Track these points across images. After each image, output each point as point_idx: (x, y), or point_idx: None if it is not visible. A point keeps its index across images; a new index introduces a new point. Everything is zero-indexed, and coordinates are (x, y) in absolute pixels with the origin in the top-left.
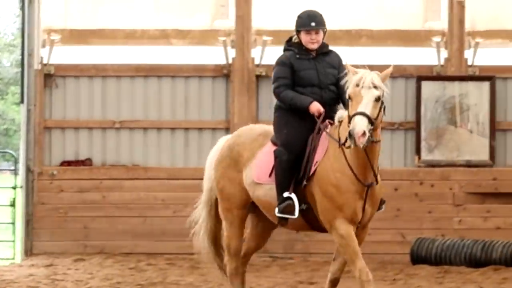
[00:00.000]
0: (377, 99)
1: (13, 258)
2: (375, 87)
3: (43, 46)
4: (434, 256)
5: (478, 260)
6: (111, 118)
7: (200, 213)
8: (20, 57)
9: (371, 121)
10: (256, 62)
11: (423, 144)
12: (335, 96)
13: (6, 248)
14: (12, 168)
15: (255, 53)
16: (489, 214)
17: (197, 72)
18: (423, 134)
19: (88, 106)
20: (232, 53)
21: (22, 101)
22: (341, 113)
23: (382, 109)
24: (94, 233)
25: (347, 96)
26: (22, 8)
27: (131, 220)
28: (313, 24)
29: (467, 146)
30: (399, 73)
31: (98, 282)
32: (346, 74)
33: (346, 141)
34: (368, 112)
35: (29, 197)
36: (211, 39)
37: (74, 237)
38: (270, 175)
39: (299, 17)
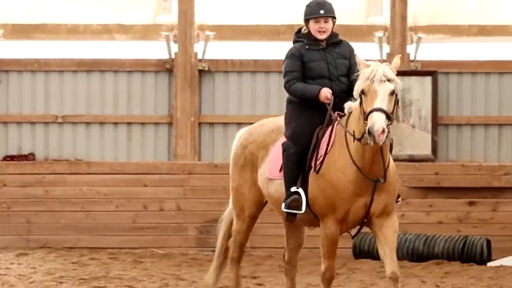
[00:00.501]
0: (392, 93)
1: None
2: (389, 80)
3: None
4: (377, 250)
5: (420, 254)
6: (54, 113)
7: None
8: None
9: (388, 117)
10: (199, 57)
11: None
12: (346, 88)
13: None
14: None
15: (198, 48)
16: (431, 208)
17: (140, 67)
18: None
19: (31, 101)
20: (174, 48)
21: None
22: (349, 104)
23: (397, 103)
24: (37, 227)
25: (359, 91)
26: None
27: (74, 215)
28: (322, 11)
29: (410, 140)
30: None
31: (41, 277)
32: (357, 66)
33: (362, 137)
34: (385, 108)
35: None
36: (153, 34)
37: (16, 231)
38: (280, 169)
39: (307, 6)
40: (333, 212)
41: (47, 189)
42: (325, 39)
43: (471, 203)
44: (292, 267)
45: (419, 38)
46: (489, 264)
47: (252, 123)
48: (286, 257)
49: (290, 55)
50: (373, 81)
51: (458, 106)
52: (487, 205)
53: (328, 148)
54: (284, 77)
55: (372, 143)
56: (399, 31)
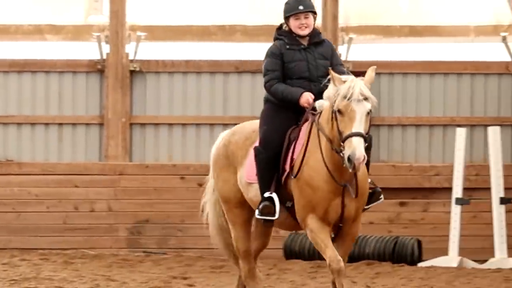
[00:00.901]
0: (368, 112)
1: None
2: (366, 98)
3: None
4: (307, 251)
5: (351, 255)
6: None
7: (208, 213)
8: None
9: (365, 139)
10: (130, 57)
11: None
12: (325, 89)
13: None
14: None
15: (129, 48)
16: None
17: (71, 68)
18: None
19: None
20: (106, 48)
21: None
22: (321, 102)
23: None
24: None
25: (335, 108)
26: None
27: (4, 216)
28: (301, 7)
29: None
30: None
31: None
32: (337, 67)
33: (338, 152)
34: (362, 130)
35: None
36: (85, 35)
37: None
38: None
39: (286, 3)
40: (313, 211)
41: None
42: (307, 36)
43: (402, 204)
44: (254, 270)
45: (351, 39)
46: (419, 264)
47: (183, 124)
48: (245, 266)
49: (271, 53)
50: (351, 100)
51: (389, 106)
52: (418, 206)
53: (303, 149)
54: (264, 76)
55: (351, 170)
56: (330, 31)
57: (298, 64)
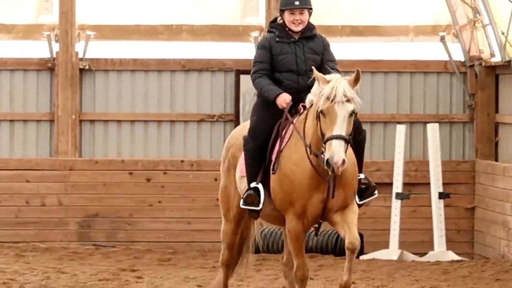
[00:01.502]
0: (351, 114)
1: None
2: (348, 100)
3: None
4: (256, 245)
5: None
6: None
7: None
8: None
9: (347, 141)
10: (80, 56)
11: None
12: (313, 84)
13: None
14: None
15: (79, 47)
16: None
17: (22, 66)
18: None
19: None
20: (56, 47)
21: None
22: (310, 97)
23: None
24: None
25: (318, 110)
26: None
27: None
28: (297, 3)
29: None
30: (218, 67)
31: None
32: (330, 63)
33: (318, 155)
34: (344, 133)
35: None
36: (35, 34)
37: None
38: None
39: None
40: (292, 207)
41: None
42: (300, 31)
43: None
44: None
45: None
46: (361, 257)
47: (132, 121)
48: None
49: (261, 46)
50: (333, 102)
51: None
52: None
53: (284, 144)
54: (252, 67)
55: (330, 173)
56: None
57: (287, 57)
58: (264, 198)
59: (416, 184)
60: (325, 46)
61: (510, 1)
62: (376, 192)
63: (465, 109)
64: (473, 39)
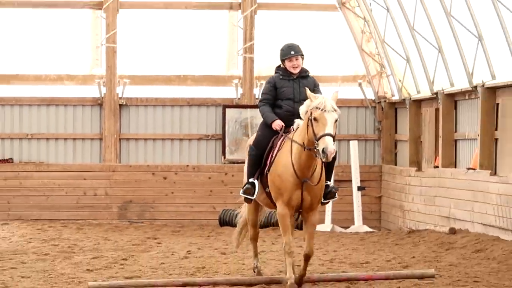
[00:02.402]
0: (336, 120)
1: None
2: (334, 110)
3: None
4: (234, 221)
5: (262, 222)
6: (25, 131)
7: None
8: None
9: (334, 138)
10: (120, 96)
11: (227, 149)
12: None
13: None
14: None
15: (119, 90)
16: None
17: (81, 102)
18: (227, 142)
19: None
20: (103, 90)
21: None
22: (298, 121)
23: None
24: (14, 206)
25: (311, 117)
26: None
27: (38, 198)
28: (292, 52)
29: None
30: (211, 103)
31: (17, 238)
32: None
33: (309, 148)
34: (333, 133)
35: None
36: (90, 81)
37: (1, 209)
38: None
39: (281, 49)
40: (281, 196)
41: (21, 181)
42: (297, 73)
43: None
44: (257, 235)
45: (261, 84)
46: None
47: (154, 139)
48: (251, 231)
49: (268, 81)
50: (324, 111)
51: None
52: None
53: (275, 153)
54: (260, 96)
55: (324, 159)
56: (248, 80)
57: (286, 89)
58: (258, 190)
59: (342, 180)
60: (315, 84)
61: None
62: (336, 196)
63: (375, 131)
64: (380, 85)
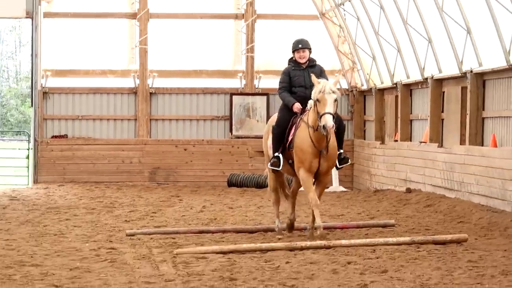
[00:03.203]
0: (335, 100)
1: (28, 185)
2: (334, 92)
3: None
4: (240, 182)
5: (261, 184)
6: (77, 114)
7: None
8: None
9: (333, 116)
10: (150, 86)
11: (233, 127)
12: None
13: (24, 180)
14: (27, 139)
15: (149, 81)
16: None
17: (120, 91)
18: (233, 121)
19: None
20: (137, 81)
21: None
22: (310, 102)
23: (337, 106)
24: (68, 171)
25: (315, 99)
26: None
27: (87, 166)
28: (300, 45)
29: (255, 127)
30: (221, 91)
31: (71, 196)
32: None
33: (317, 128)
34: (332, 111)
35: (36, 153)
36: (127, 74)
37: (58, 173)
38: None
39: (292, 43)
40: (303, 164)
41: (73, 152)
42: (305, 63)
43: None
44: (291, 195)
45: (260, 77)
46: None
47: (177, 119)
48: (290, 189)
49: (283, 72)
50: (324, 93)
51: None
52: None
53: (296, 130)
54: (279, 84)
55: (325, 133)
56: (249, 73)
57: (298, 78)
58: (283, 162)
59: None
60: (321, 71)
61: None
62: (349, 162)
63: (348, 113)
64: (352, 77)
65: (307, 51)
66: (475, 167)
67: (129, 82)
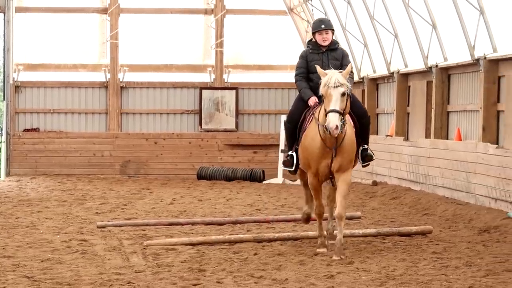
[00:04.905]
0: (343, 94)
1: (0, 177)
2: (341, 85)
3: None
4: (209, 175)
5: (230, 177)
6: (49, 107)
7: None
8: None
9: (341, 113)
10: (121, 80)
11: (203, 121)
12: None
13: None
14: None
15: (120, 76)
16: (235, 154)
17: (91, 85)
18: (203, 115)
19: (42, 99)
20: (108, 76)
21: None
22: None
23: (349, 100)
24: (40, 164)
25: (320, 94)
26: None
27: (58, 159)
28: (323, 26)
29: (225, 121)
30: (191, 85)
31: (42, 188)
32: (347, 65)
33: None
34: (337, 108)
35: (8, 146)
36: (98, 68)
37: (30, 166)
38: None
39: (313, 23)
40: (310, 168)
41: (45, 145)
42: (326, 46)
43: (254, 152)
44: (330, 202)
45: (229, 71)
46: (264, 182)
47: (147, 113)
48: (327, 197)
49: (300, 56)
50: (329, 87)
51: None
52: (261, 154)
53: (305, 127)
54: (296, 70)
55: (329, 135)
56: (219, 68)
57: (316, 62)
58: (298, 161)
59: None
60: (343, 55)
61: None
62: (373, 158)
63: None
64: None
65: (330, 33)
66: (440, 160)
67: (100, 76)
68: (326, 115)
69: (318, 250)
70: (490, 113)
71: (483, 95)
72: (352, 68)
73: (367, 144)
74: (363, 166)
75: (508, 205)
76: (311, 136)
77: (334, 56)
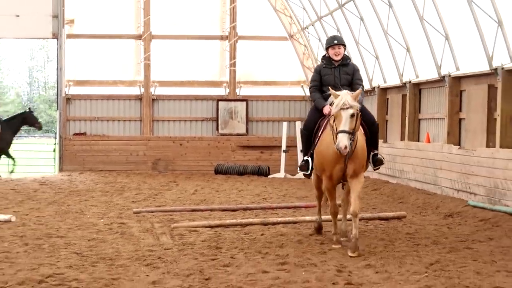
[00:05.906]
0: (352, 116)
1: (54, 173)
2: (350, 107)
3: None
4: (224, 171)
5: (241, 172)
6: (93, 115)
7: None
8: None
9: (350, 133)
10: (152, 93)
11: (219, 126)
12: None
13: (51, 169)
14: (53, 136)
15: (152, 90)
16: (246, 154)
17: (128, 98)
18: (220, 122)
19: (89, 108)
20: (142, 90)
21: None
22: (330, 100)
23: (358, 119)
24: (86, 161)
25: (332, 114)
26: None
27: (102, 157)
28: (335, 41)
29: (237, 127)
30: (209, 98)
31: (89, 181)
32: (358, 80)
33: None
34: (347, 129)
35: (61, 148)
36: (134, 84)
37: (78, 163)
38: None
39: (327, 39)
40: (324, 172)
41: (91, 146)
42: (338, 61)
43: (261, 152)
44: (345, 201)
45: (241, 86)
46: (269, 176)
47: (174, 120)
48: (343, 195)
49: (315, 70)
50: (339, 108)
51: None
52: (267, 153)
53: (320, 134)
54: (310, 83)
55: (339, 153)
56: (232, 83)
57: (329, 77)
58: (312, 166)
59: (291, 146)
60: (355, 70)
61: None
62: (384, 163)
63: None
64: None
65: (342, 48)
66: (412, 159)
67: (135, 91)
68: (336, 135)
69: (333, 246)
70: (454, 120)
71: (448, 106)
72: (363, 89)
73: (377, 149)
74: (374, 170)
75: (468, 195)
76: (326, 142)
77: (346, 71)
